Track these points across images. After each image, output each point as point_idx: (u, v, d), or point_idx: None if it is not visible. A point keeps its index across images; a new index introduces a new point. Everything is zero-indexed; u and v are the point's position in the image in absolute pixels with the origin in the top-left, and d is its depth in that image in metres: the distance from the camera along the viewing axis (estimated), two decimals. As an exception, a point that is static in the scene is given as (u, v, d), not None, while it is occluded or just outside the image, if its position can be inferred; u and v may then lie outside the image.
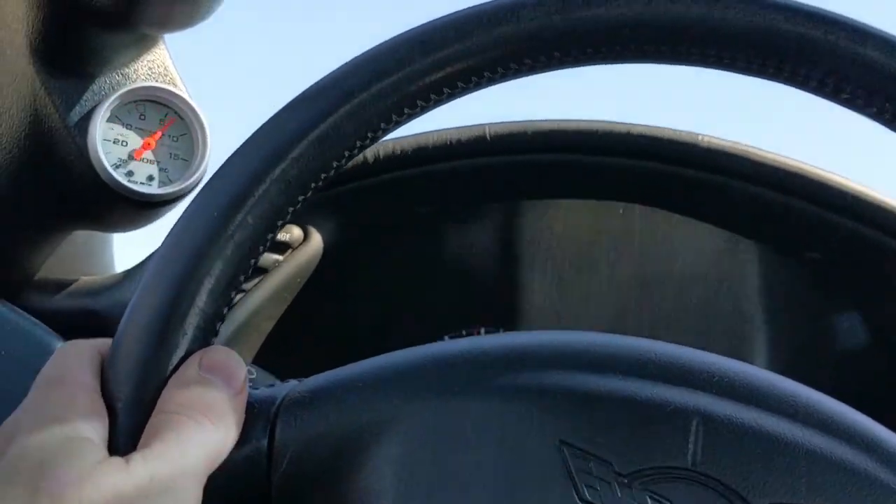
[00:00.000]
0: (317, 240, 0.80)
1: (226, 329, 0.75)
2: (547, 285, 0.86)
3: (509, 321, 0.86)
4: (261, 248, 0.40)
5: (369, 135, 0.41)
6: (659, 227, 0.85)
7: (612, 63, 0.42)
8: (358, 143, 0.41)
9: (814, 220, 0.78)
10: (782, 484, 0.37)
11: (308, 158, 0.40)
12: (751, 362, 0.82)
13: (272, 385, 0.42)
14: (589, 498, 0.37)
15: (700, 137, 0.78)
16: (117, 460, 0.34)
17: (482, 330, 0.86)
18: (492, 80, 0.42)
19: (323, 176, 0.41)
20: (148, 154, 0.73)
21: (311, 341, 0.85)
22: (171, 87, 0.73)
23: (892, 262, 0.77)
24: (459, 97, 0.42)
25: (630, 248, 0.86)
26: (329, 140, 0.40)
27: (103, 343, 0.40)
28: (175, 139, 0.74)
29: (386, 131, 0.41)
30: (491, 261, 0.87)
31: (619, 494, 0.37)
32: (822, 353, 0.84)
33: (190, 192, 0.74)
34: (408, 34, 0.41)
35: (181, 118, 0.74)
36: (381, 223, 0.84)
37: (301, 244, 0.79)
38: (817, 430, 0.38)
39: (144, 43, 0.72)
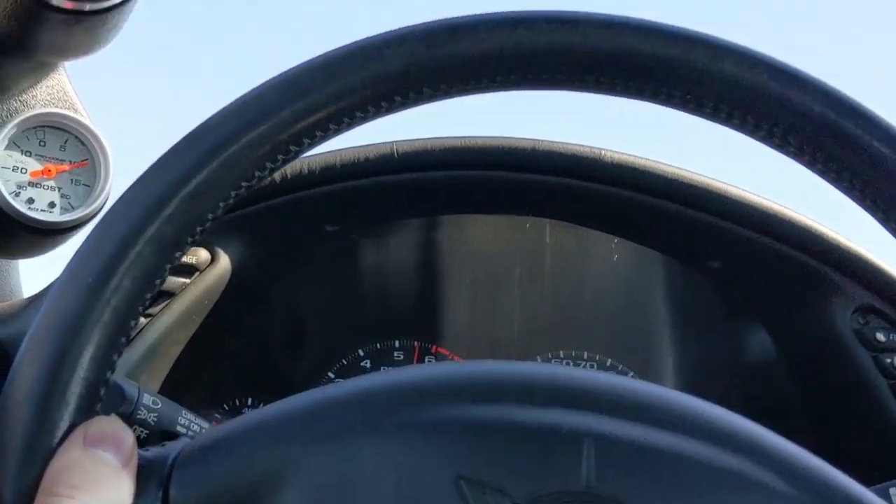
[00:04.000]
0: (224, 261, 0.83)
1: (131, 355, 0.77)
2: (460, 301, 0.91)
3: (423, 338, 0.91)
4: (140, 308, 0.41)
5: (243, 184, 0.42)
6: (568, 241, 0.91)
7: (474, 94, 0.44)
8: (232, 194, 0.42)
9: (713, 230, 0.84)
10: (673, 496, 0.40)
11: (181, 215, 0.41)
12: (660, 376, 0.88)
13: (164, 445, 0.43)
14: None
15: (603, 152, 0.84)
16: None
17: (396, 342, 0.91)
18: (364, 119, 0.43)
19: (199, 229, 0.42)
20: (49, 180, 0.76)
21: (222, 364, 0.88)
22: (70, 113, 0.76)
23: (790, 272, 0.83)
24: (333, 138, 0.44)
25: (540, 263, 0.91)
26: (202, 195, 0.41)
27: None
28: (76, 164, 0.77)
29: (261, 179, 0.43)
30: (403, 278, 0.91)
31: None
32: (730, 368, 0.90)
33: (92, 218, 0.77)
34: (275, 80, 0.43)
35: (82, 143, 0.77)
36: (290, 243, 0.88)
37: (208, 266, 0.82)
38: (705, 441, 0.41)
39: (43, 69, 0.75)
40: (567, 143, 0.85)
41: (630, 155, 0.84)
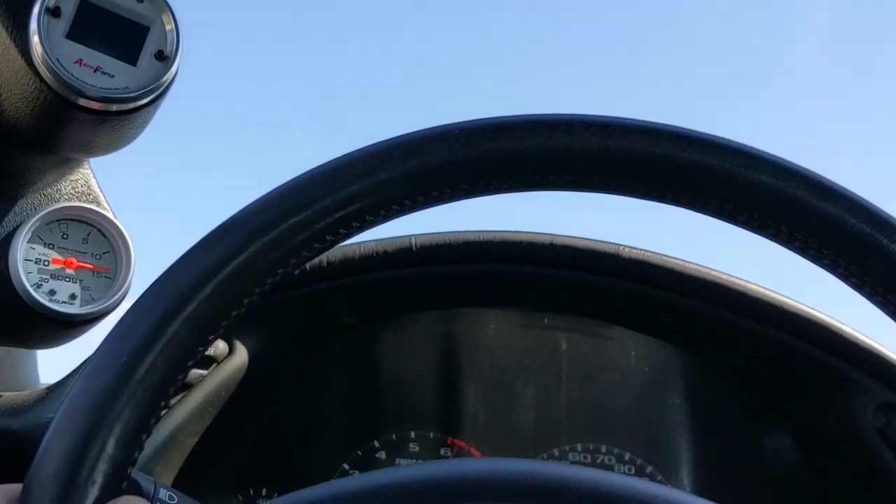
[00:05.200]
0: (242, 353, 0.84)
1: (148, 447, 0.78)
2: (476, 393, 0.91)
3: (439, 429, 0.91)
4: (171, 389, 0.41)
5: (279, 270, 0.43)
6: (585, 335, 0.91)
7: (510, 192, 0.45)
8: (268, 280, 0.43)
9: (734, 326, 0.84)
10: None
11: (218, 297, 0.41)
12: (679, 470, 0.88)
13: None
14: None
15: (621, 248, 0.84)
16: None
17: (411, 433, 0.91)
18: (400, 213, 0.44)
19: (234, 313, 0.42)
20: (70, 272, 0.76)
21: (237, 455, 0.88)
22: (93, 206, 0.78)
23: (811, 369, 0.83)
24: (369, 229, 0.45)
25: (558, 356, 0.91)
26: (239, 278, 0.41)
27: (12, 490, 0.40)
28: (98, 257, 0.78)
29: (296, 266, 0.44)
30: (419, 369, 0.91)
31: None
32: (751, 464, 0.89)
33: (113, 310, 0.77)
34: (318, 170, 0.44)
35: (104, 236, 0.78)
36: (308, 334, 0.89)
37: (226, 358, 0.83)
38: None
39: (68, 164, 0.76)
40: (585, 239, 0.86)
41: (648, 251, 0.85)
